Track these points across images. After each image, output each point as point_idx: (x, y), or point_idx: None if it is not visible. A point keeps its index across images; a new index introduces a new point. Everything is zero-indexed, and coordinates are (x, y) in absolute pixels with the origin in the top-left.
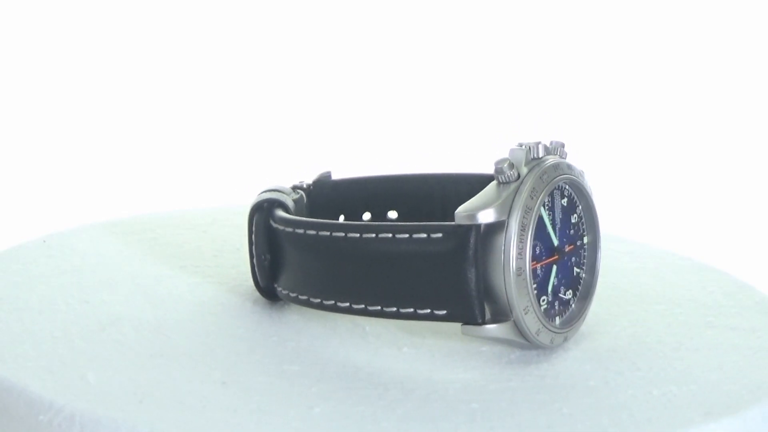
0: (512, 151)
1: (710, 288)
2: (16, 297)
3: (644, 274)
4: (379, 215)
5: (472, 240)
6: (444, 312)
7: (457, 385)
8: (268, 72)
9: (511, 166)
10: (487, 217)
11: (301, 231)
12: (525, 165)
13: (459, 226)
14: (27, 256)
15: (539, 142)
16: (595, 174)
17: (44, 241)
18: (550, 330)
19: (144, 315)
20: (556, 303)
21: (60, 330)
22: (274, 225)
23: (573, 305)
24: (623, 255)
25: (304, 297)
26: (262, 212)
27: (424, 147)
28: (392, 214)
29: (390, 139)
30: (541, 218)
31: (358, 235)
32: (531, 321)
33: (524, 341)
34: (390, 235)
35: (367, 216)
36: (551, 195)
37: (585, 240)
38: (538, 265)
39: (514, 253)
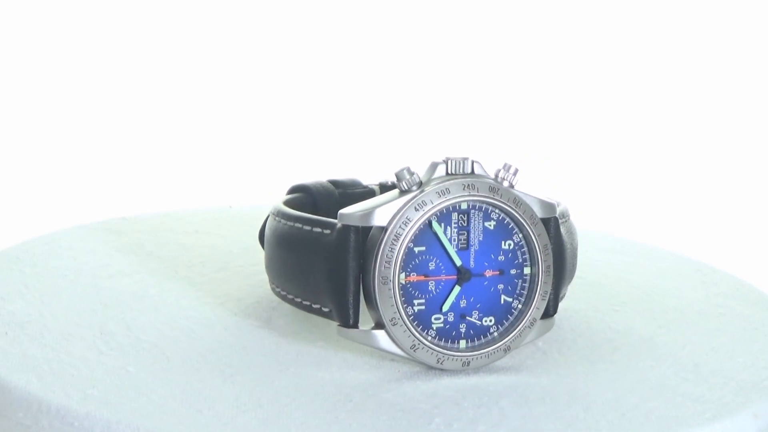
0: (432, 163)
1: (707, 287)
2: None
3: (639, 272)
4: None
5: (351, 241)
6: (328, 309)
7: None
8: (262, 72)
9: (411, 173)
10: (364, 220)
11: (277, 221)
12: (432, 178)
13: (342, 225)
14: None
15: (466, 158)
16: (595, 174)
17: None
18: (437, 349)
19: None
20: (462, 325)
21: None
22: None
23: (495, 333)
24: (616, 254)
25: (272, 285)
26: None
27: (422, 147)
28: None
29: (389, 140)
30: (434, 234)
31: (296, 224)
32: (400, 333)
33: (403, 354)
34: (309, 228)
35: None
36: (465, 214)
37: (525, 271)
38: (428, 279)
39: (382, 261)
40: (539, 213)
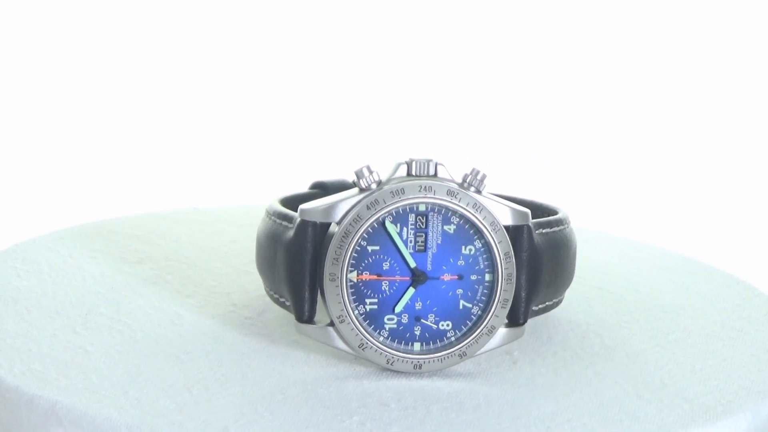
0: (397, 163)
1: (706, 286)
2: None
3: (636, 273)
4: None
5: (308, 236)
6: (289, 303)
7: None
8: (255, 72)
9: (371, 172)
10: (320, 215)
11: (264, 216)
12: (392, 177)
13: (301, 220)
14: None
15: (430, 160)
16: (596, 174)
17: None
18: (387, 350)
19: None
20: (417, 328)
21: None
22: None
23: (452, 338)
24: (616, 255)
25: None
26: None
27: (421, 147)
28: None
29: (388, 140)
30: (388, 234)
31: (271, 218)
32: (348, 332)
33: (353, 352)
34: (279, 221)
35: None
36: (424, 216)
37: (487, 277)
38: (381, 279)
39: (331, 258)
40: (511, 221)
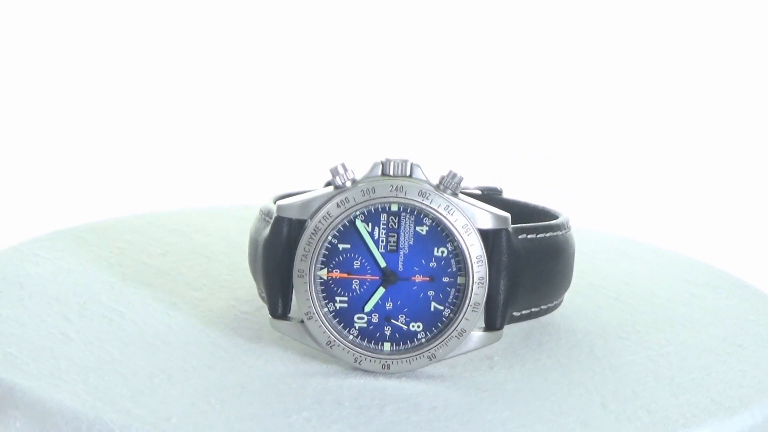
0: (374, 163)
1: (726, 301)
2: None
3: (636, 271)
4: None
5: (282, 232)
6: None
7: None
8: (255, 72)
9: (345, 170)
10: (294, 212)
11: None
12: (367, 176)
13: (276, 216)
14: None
15: (406, 161)
16: (596, 174)
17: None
18: (355, 348)
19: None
20: (387, 328)
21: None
22: None
23: (423, 339)
24: (638, 263)
25: None
26: None
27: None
28: None
29: (387, 139)
30: (357, 233)
31: (260, 214)
32: (315, 328)
33: (321, 349)
34: (262, 217)
35: None
36: (396, 216)
37: (458, 280)
38: (352, 277)
39: (300, 254)
40: (489, 224)
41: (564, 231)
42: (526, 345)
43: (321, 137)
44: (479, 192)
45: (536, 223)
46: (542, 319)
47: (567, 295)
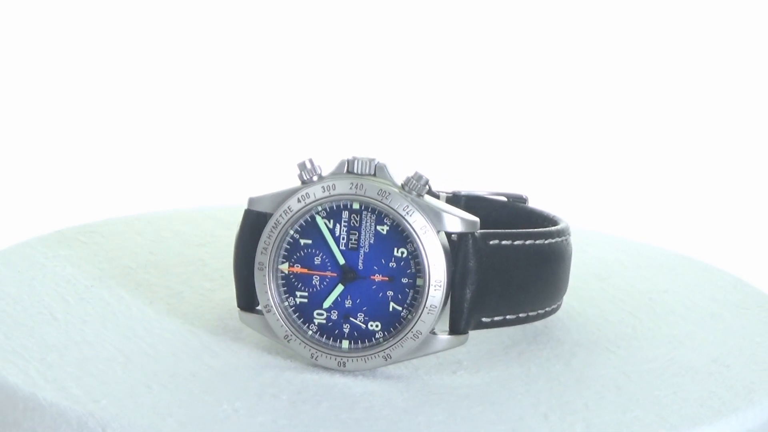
0: (341, 160)
1: (706, 285)
2: None
3: (639, 271)
4: None
5: (249, 224)
6: None
7: None
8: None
9: (312, 165)
10: (262, 205)
11: None
12: (333, 173)
13: (247, 209)
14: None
15: (372, 159)
16: (596, 174)
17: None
18: (312, 344)
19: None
20: (346, 326)
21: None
22: None
23: (381, 339)
24: (617, 252)
25: None
26: None
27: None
28: None
29: (386, 139)
30: (318, 229)
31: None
32: (273, 321)
33: (278, 343)
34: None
35: None
36: (358, 214)
37: (417, 282)
38: (312, 273)
39: (261, 247)
40: (457, 228)
41: (549, 240)
42: (505, 353)
43: (323, 138)
44: (504, 199)
45: (511, 230)
46: (536, 327)
47: (574, 303)
